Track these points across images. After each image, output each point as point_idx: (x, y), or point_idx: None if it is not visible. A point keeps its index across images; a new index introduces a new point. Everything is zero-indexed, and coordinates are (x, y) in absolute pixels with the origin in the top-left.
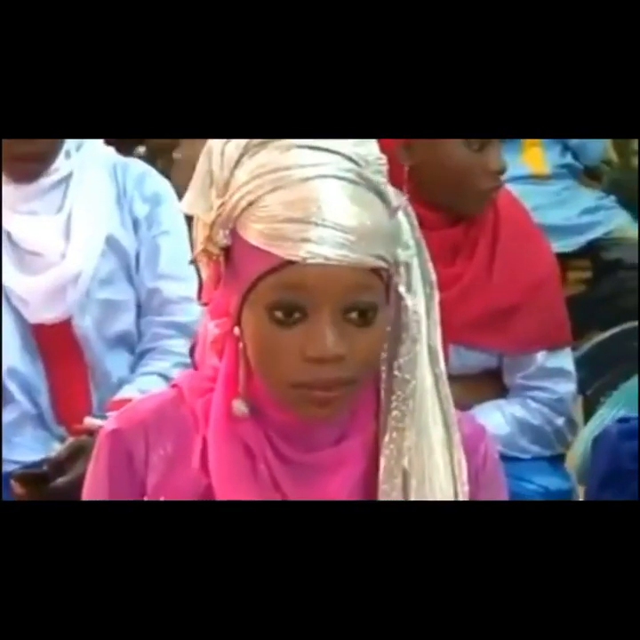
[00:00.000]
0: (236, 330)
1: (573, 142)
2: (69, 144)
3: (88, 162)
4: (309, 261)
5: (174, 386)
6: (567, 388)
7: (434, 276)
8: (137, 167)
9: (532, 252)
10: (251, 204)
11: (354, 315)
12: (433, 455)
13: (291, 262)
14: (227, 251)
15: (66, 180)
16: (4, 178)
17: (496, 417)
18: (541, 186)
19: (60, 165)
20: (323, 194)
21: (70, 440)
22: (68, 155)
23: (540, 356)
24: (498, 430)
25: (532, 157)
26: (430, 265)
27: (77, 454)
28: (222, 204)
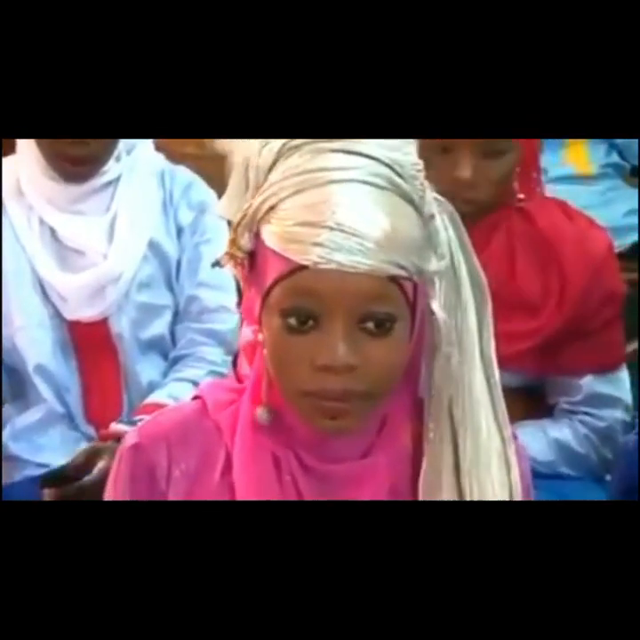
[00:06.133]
0: (260, 336)
1: (620, 141)
2: (120, 147)
3: (137, 166)
4: (322, 266)
5: (196, 397)
6: (616, 414)
7: (485, 281)
8: (185, 175)
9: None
10: (272, 207)
11: (370, 324)
12: (490, 471)
13: (304, 267)
14: (252, 255)
15: (114, 182)
16: (53, 176)
17: (539, 441)
18: (586, 186)
19: (110, 168)
20: (341, 198)
21: (86, 446)
22: (118, 158)
23: (587, 380)
24: (539, 456)
25: (575, 156)
26: (480, 269)
27: (94, 458)
28: (248, 207)
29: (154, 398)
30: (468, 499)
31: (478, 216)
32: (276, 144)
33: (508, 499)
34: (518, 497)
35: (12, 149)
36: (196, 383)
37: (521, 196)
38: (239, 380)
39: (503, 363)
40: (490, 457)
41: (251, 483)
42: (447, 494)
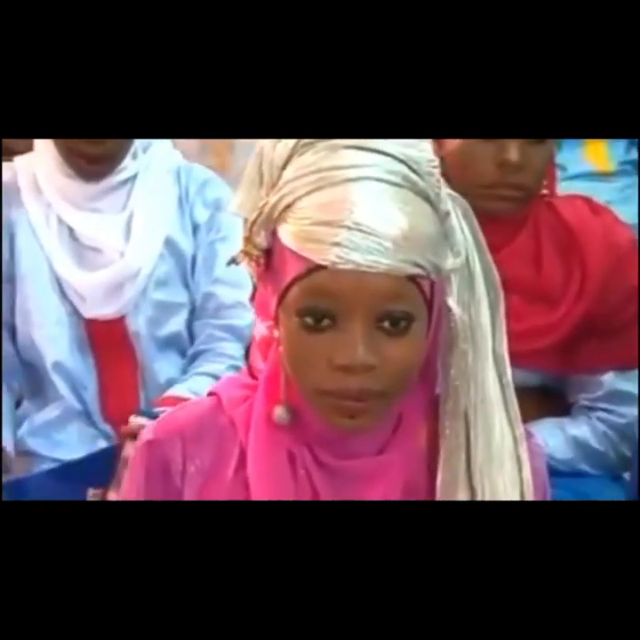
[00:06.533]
0: (276, 333)
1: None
2: (137, 145)
3: (154, 164)
4: (339, 266)
5: (212, 394)
6: (635, 411)
7: (498, 279)
8: (201, 172)
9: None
10: (289, 205)
11: (386, 324)
12: (502, 470)
13: (322, 267)
14: (268, 252)
15: (131, 180)
16: (69, 174)
17: (558, 439)
18: (605, 183)
19: (127, 165)
20: (358, 196)
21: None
22: (134, 155)
23: (608, 377)
24: (558, 453)
25: (594, 153)
26: (494, 268)
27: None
28: (264, 205)
29: (175, 391)
30: (479, 496)
31: (525, 202)
32: (290, 140)
33: (519, 497)
34: (530, 495)
35: (28, 147)
36: (216, 377)
37: (545, 191)
38: (251, 373)
39: (523, 360)
40: (502, 455)
41: (265, 478)
42: (462, 492)
